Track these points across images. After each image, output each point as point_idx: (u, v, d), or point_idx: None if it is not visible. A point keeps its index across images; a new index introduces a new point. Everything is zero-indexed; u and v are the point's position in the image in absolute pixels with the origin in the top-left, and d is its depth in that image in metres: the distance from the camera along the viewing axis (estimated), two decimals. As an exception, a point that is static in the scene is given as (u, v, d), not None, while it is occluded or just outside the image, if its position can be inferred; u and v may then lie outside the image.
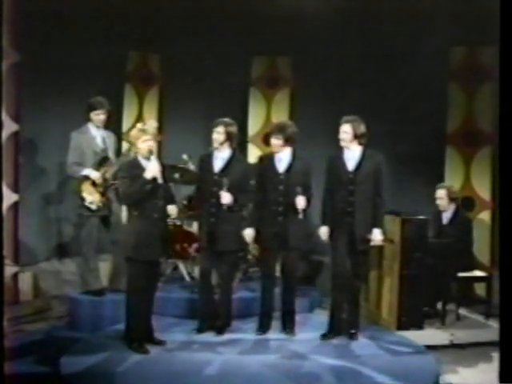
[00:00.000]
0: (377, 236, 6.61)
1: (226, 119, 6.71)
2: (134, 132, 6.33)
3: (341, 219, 6.59)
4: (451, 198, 7.80)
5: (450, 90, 8.85)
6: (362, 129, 6.58)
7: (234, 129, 6.68)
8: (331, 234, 6.67)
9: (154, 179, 6.18)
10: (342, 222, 6.58)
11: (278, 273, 6.90)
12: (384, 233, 6.68)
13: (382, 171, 6.64)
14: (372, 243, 6.65)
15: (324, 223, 6.71)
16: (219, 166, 6.68)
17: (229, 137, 6.65)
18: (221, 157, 6.69)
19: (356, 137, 6.57)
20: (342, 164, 6.61)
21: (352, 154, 6.61)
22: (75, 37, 8.42)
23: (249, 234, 6.76)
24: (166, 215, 6.36)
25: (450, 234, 7.68)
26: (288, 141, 6.69)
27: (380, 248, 7.23)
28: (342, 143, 6.60)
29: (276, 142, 6.70)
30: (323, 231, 6.70)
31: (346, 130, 6.57)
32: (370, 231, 6.59)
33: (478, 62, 8.67)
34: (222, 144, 6.65)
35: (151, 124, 6.50)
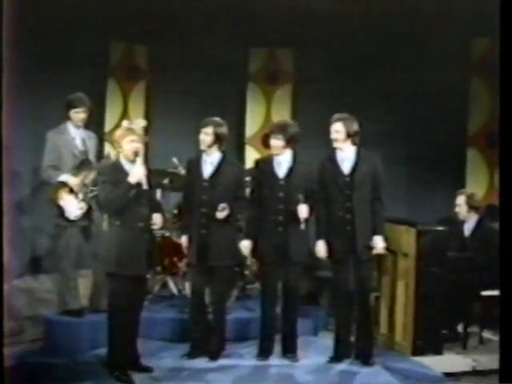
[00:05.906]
0: (379, 243, 6.55)
1: (216, 119, 6.66)
2: (119, 131, 6.31)
3: (339, 228, 6.53)
4: (471, 206, 7.73)
5: (472, 85, 9.11)
6: (355, 127, 6.56)
7: (223, 130, 6.63)
8: (330, 248, 6.63)
9: (139, 184, 6.12)
10: (341, 231, 6.53)
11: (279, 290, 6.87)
12: (386, 240, 6.61)
13: (380, 173, 6.61)
14: (374, 251, 6.59)
15: (320, 237, 6.63)
16: (208, 171, 6.63)
17: (218, 138, 6.60)
18: (210, 161, 6.65)
19: (349, 136, 6.53)
20: (336, 167, 6.59)
21: (346, 156, 6.58)
22: (51, 25, 8.36)
23: (246, 246, 6.71)
24: (152, 225, 6.31)
25: (472, 247, 7.65)
26: (289, 142, 6.62)
27: (393, 263, 7.19)
28: (335, 144, 6.57)
29: (276, 142, 6.62)
30: (320, 247, 6.64)
31: (338, 129, 6.54)
32: (371, 239, 6.55)
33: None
34: (209, 146, 6.61)
35: (139, 123, 6.50)
